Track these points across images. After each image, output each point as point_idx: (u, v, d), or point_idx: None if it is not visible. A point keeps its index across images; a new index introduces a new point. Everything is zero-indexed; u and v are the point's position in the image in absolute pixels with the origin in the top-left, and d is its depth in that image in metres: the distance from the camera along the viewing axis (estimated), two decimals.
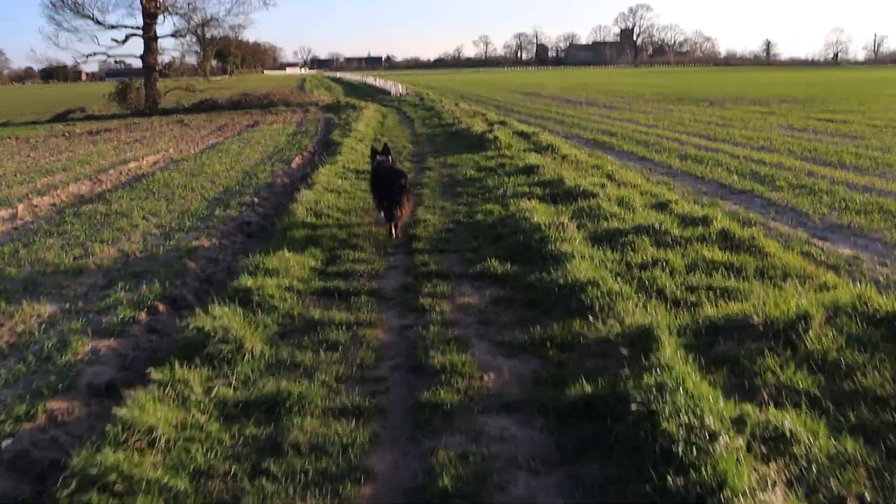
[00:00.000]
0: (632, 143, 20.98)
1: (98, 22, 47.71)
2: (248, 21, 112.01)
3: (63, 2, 47.12)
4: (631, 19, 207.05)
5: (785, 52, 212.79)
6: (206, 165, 17.76)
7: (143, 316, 6.49)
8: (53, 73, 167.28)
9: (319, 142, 22.36)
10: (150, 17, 47.52)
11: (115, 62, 52.18)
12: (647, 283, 6.74)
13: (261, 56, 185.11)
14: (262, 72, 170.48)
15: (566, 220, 8.47)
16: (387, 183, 9.17)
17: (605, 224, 8.97)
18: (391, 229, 9.23)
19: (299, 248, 8.23)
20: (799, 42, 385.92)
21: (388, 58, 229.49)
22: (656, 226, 8.58)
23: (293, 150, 20.17)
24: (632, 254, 7.75)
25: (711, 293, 6.48)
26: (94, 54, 49.03)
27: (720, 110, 34.69)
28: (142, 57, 48.32)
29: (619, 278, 6.77)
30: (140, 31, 47.85)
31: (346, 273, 7.64)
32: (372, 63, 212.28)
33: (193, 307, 7.02)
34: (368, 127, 25.72)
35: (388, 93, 54.69)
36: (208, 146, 23.76)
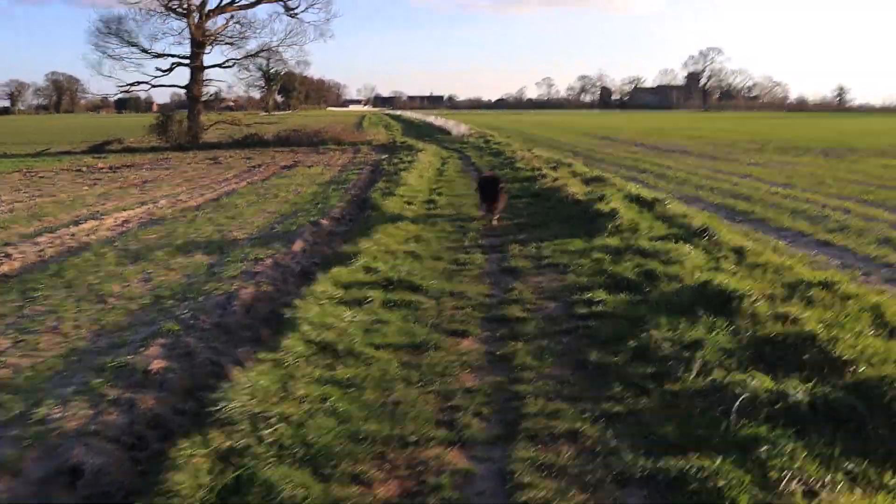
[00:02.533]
0: (785, 215, 14.30)
1: (144, 50, 43.06)
2: (302, 53, 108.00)
3: (110, 29, 42.63)
4: (701, 62, 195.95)
5: (858, 97, 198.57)
6: (174, 235, 11.67)
7: None
8: (127, 104, 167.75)
9: (354, 199, 16.06)
10: (197, 46, 42.61)
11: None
12: None
13: (324, 93, 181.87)
14: (326, 108, 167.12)
15: None
16: (488, 187, 12.54)
17: None
18: (491, 219, 12.38)
19: None
20: (872, 87, 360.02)
21: (449, 97, 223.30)
22: None
23: (311, 213, 13.91)
24: None
25: None
26: (138, 83, 44.24)
27: (850, 164, 27.41)
28: (186, 87, 43.44)
29: None
30: (186, 61, 43.01)
31: None
32: (434, 102, 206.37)
33: None
34: (423, 178, 19.35)
35: (449, 133, 48.62)
36: (216, 196, 17.80)
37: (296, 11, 45.53)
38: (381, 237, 9.93)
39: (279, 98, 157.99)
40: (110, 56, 42.84)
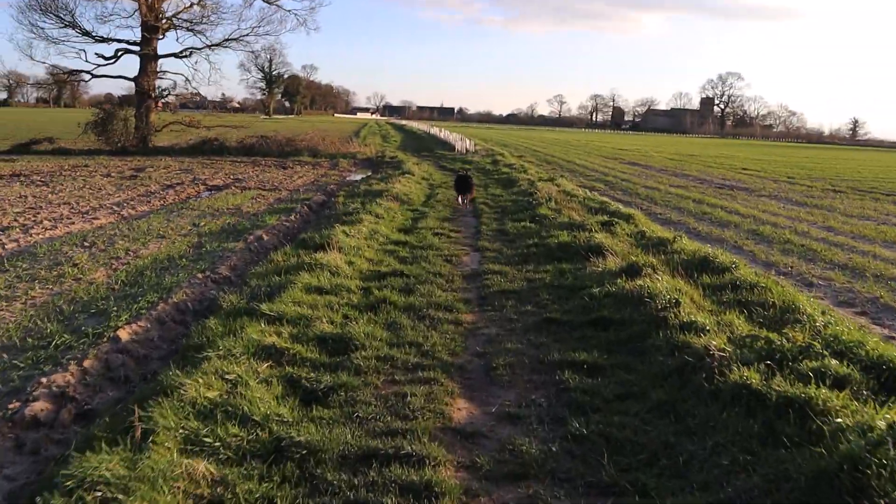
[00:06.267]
0: None
1: (86, 33, 34.36)
2: (278, 43, 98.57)
3: (43, 5, 33.78)
4: (719, 87, 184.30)
5: (872, 131, 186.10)
6: None
7: None
8: (130, 99, 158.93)
9: (199, 300, 7.27)
10: (150, 31, 34.00)
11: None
12: None
13: (332, 99, 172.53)
14: (333, 114, 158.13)
15: None
16: (462, 182, 15.91)
17: None
18: (463, 202, 15.52)
19: None
20: (887, 121, 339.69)
21: (460, 109, 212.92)
22: None
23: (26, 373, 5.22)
24: None
25: None
26: (78, 72, 35.60)
27: None
28: (135, 79, 34.72)
29: None
30: (135, 48, 34.36)
31: None
32: (444, 113, 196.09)
33: None
34: (375, 239, 10.53)
35: (453, 148, 39.90)
36: (38, 241, 9.14)
37: None
38: None
39: (286, 102, 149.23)
40: (46, 39, 34.18)
